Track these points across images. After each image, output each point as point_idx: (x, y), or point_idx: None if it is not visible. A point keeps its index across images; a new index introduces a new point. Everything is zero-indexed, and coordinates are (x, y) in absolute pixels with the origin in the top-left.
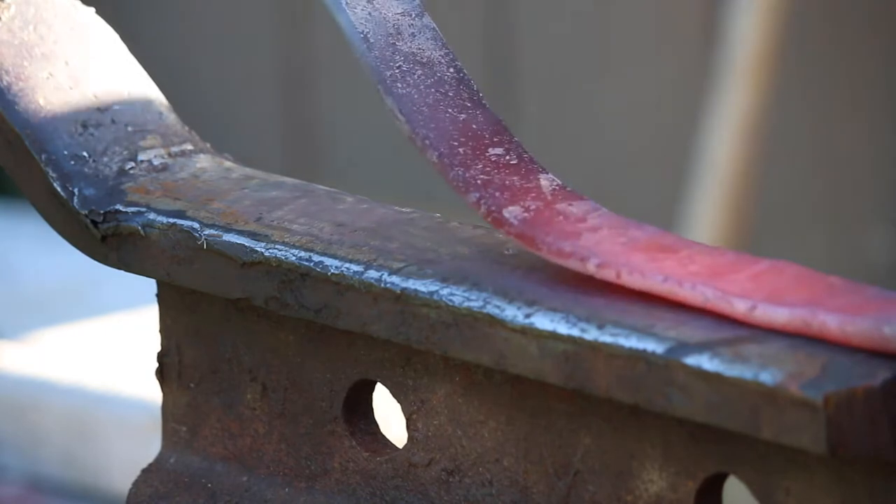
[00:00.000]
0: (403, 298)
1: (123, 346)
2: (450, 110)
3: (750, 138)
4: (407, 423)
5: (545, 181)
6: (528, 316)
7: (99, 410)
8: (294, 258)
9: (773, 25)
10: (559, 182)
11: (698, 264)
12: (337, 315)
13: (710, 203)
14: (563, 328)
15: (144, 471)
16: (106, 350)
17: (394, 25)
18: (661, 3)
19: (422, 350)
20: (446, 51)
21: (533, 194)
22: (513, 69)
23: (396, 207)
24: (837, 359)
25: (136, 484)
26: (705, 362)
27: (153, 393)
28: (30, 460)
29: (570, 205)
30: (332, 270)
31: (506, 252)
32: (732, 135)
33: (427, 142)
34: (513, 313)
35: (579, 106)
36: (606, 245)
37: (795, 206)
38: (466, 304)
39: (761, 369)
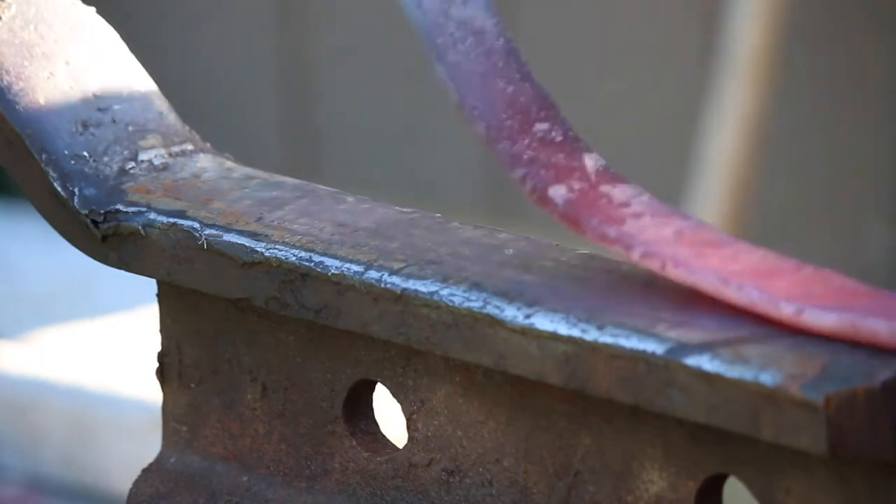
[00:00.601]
0: (404, 299)
1: (123, 346)
2: (499, 81)
3: (750, 138)
4: (407, 423)
5: (589, 161)
6: (528, 316)
7: (99, 410)
8: (294, 258)
9: (774, 25)
10: (603, 162)
11: (742, 263)
12: (337, 315)
13: (710, 203)
14: (563, 329)
15: (145, 470)
16: (106, 350)
17: None
18: (661, 3)
19: (422, 350)
20: (496, 20)
21: (578, 174)
22: None
23: (397, 208)
24: (838, 359)
25: (136, 484)
26: (706, 363)
27: (153, 393)
28: (30, 460)
29: (614, 187)
30: (332, 271)
31: (506, 252)
32: (732, 135)
33: (476, 112)
34: (513, 314)
35: (579, 106)
36: (651, 234)
37: (795, 206)
38: (467, 304)
39: (762, 370)
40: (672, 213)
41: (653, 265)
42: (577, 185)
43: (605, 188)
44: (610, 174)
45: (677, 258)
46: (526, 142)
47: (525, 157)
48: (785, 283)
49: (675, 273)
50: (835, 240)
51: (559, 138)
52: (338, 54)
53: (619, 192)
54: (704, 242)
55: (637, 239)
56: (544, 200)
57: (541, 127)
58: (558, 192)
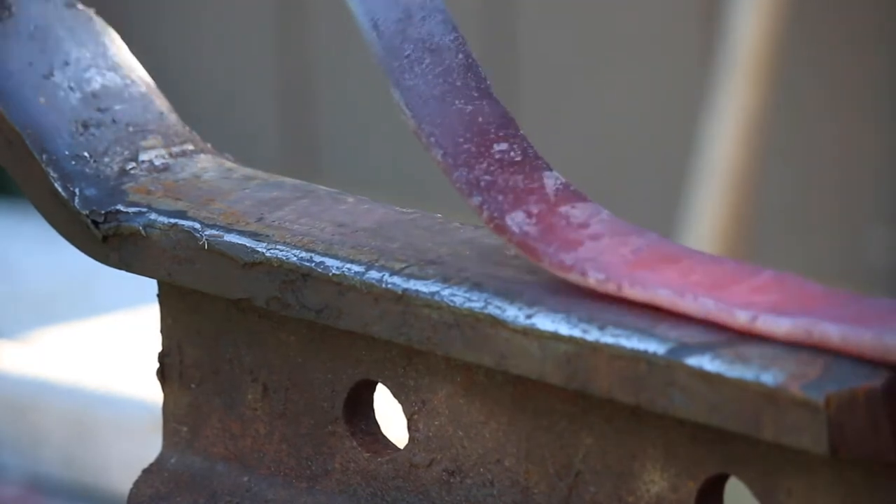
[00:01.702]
0: (405, 299)
1: (123, 346)
2: (457, 101)
3: (750, 138)
4: (408, 423)
5: (549, 180)
6: (529, 316)
7: (99, 410)
8: (295, 258)
9: (774, 24)
10: (563, 180)
11: (699, 274)
12: (338, 315)
13: (710, 203)
14: (564, 329)
15: (145, 471)
16: (106, 350)
17: (404, 8)
18: (661, 3)
19: (423, 350)
20: (455, 34)
21: (536, 196)
22: (513, 69)
23: (397, 208)
24: (839, 360)
25: (136, 484)
26: (707, 363)
27: (153, 393)
28: (30, 460)
29: (573, 207)
30: (333, 271)
31: (507, 252)
32: (733, 134)
33: (432, 139)
34: (514, 314)
35: (579, 106)
36: (608, 256)
37: (796, 206)
38: (468, 304)
39: (763, 370)
40: (630, 231)
41: (610, 289)
42: (535, 209)
43: (564, 209)
44: (569, 193)
45: (633, 278)
46: (484, 165)
47: (482, 183)
48: (742, 290)
49: (632, 293)
50: (835, 241)
51: (518, 157)
52: (338, 54)
53: (578, 211)
54: (661, 258)
55: (592, 264)
56: (502, 229)
57: (499, 147)
58: (515, 219)
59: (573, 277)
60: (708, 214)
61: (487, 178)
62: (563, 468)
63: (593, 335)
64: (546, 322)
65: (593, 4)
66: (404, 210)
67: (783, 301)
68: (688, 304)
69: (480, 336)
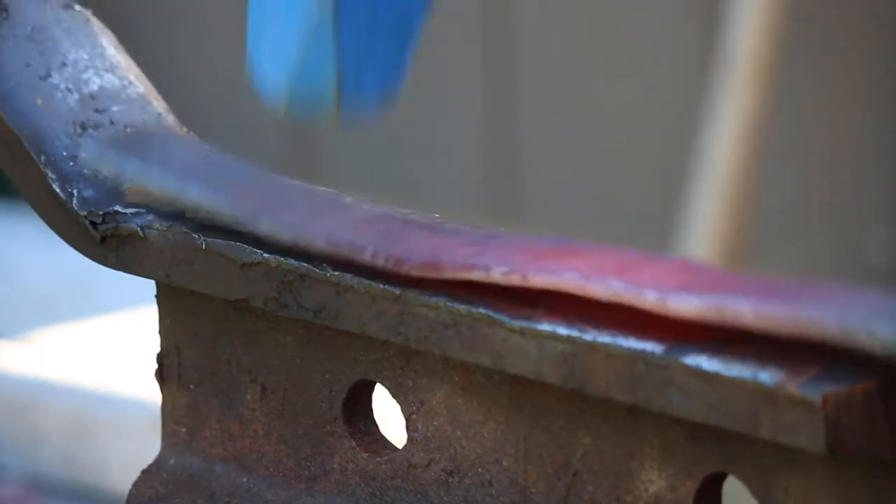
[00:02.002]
0: (402, 299)
1: (123, 346)
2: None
3: (750, 138)
4: (406, 423)
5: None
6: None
7: (99, 410)
8: (293, 259)
9: (774, 25)
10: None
11: (606, 261)
12: (336, 315)
13: (710, 203)
14: (561, 328)
15: (144, 472)
16: (106, 350)
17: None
18: (661, 3)
19: (421, 350)
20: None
21: (429, 238)
22: (512, 69)
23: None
24: (836, 359)
25: (135, 485)
26: (704, 362)
27: (153, 393)
28: (30, 460)
29: (469, 236)
30: (330, 271)
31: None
32: (732, 135)
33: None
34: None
35: (579, 106)
36: (512, 254)
37: (796, 206)
38: (465, 304)
39: (760, 369)
40: (535, 238)
41: (514, 280)
42: (429, 243)
43: (460, 241)
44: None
45: (538, 267)
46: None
47: (373, 238)
48: (650, 273)
49: (538, 280)
50: (835, 240)
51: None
52: None
53: (475, 237)
54: (567, 252)
55: (496, 260)
56: (399, 262)
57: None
58: (411, 251)
59: (476, 275)
60: (708, 215)
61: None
62: (561, 468)
63: (590, 334)
64: (543, 321)
65: (593, 5)
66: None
67: (692, 282)
68: (595, 288)
69: (478, 336)
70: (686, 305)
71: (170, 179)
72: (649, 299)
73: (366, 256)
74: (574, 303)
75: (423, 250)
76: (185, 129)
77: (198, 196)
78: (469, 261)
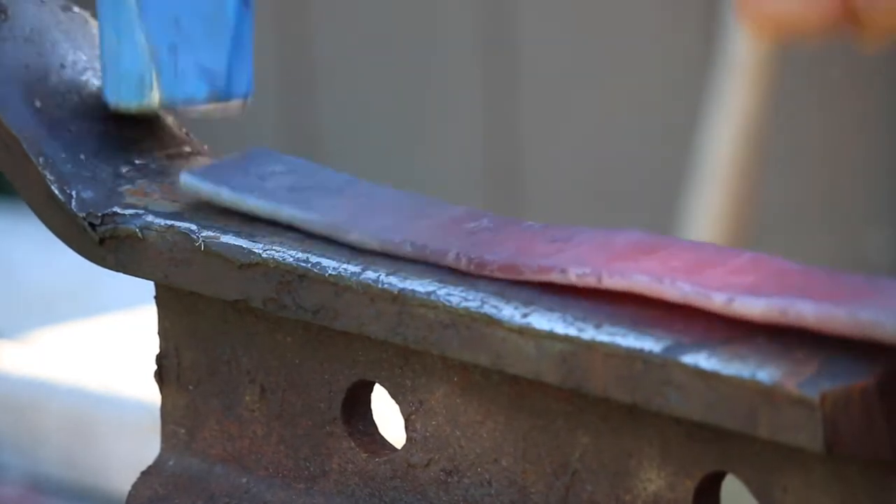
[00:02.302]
0: (401, 299)
1: (123, 346)
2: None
3: (750, 138)
4: (405, 423)
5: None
6: (525, 316)
7: (99, 410)
8: (291, 259)
9: None
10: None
11: (678, 260)
12: (335, 316)
13: (710, 203)
14: (560, 328)
15: (143, 473)
16: (106, 350)
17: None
18: (661, 5)
19: (420, 350)
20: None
21: (521, 241)
22: (512, 70)
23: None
24: (834, 357)
25: (135, 486)
26: (702, 361)
27: (153, 393)
28: (30, 460)
29: (555, 232)
30: (329, 271)
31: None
32: (733, 135)
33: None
34: (510, 313)
35: (579, 106)
36: (587, 255)
37: (795, 206)
38: (464, 304)
39: (758, 368)
40: (611, 233)
41: (590, 282)
42: (515, 245)
43: (544, 236)
44: (549, 227)
45: (612, 269)
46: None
47: (457, 241)
48: (719, 273)
49: (611, 282)
50: (834, 240)
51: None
52: (338, 54)
53: (558, 232)
54: (641, 250)
55: (573, 262)
56: (482, 265)
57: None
58: (496, 253)
59: (554, 277)
60: (708, 215)
61: (462, 238)
62: (560, 467)
63: (589, 334)
64: (542, 321)
65: (593, 6)
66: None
67: (760, 282)
68: (665, 289)
69: (476, 336)
70: (751, 308)
71: (264, 205)
72: (716, 302)
73: (449, 260)
74: (649, 301)
75: (503, 252)
76: (183, 130)
77: (290, 217)
78: (547, 262)
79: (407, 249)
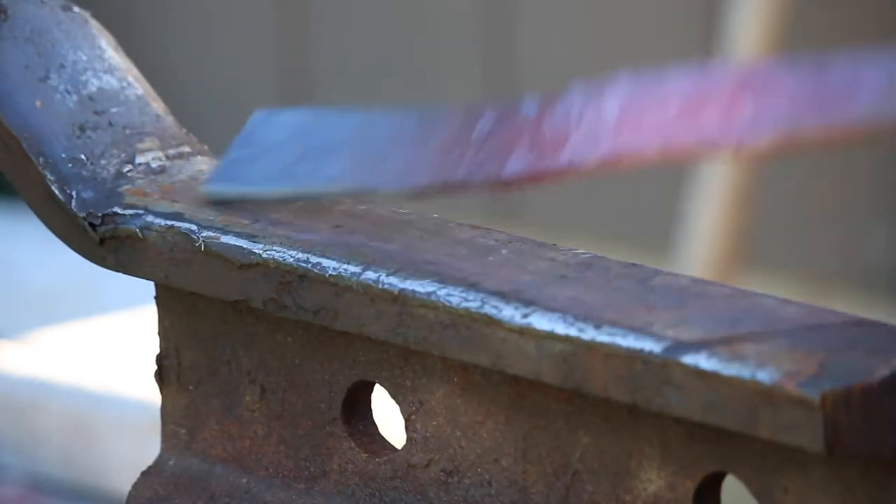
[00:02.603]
0: (401, 299)
1: (123, 346)
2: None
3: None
4: (405, 423)
5: (522, 110)
6: (525, 316)
7: (99, 411)
8: (292, 260)
9: (773, 25)
10: (535, 104)
11: (673, 106)
12: (335, 316)
13: (710, 203)
14: (560, 328)
15: (144, 473)
16: (106, 350)
17: None
18: (661, 3)
19: (420, 351)
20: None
21: (519, 134)
22: (513, 70)
23: (394, 208)
24: (835, 357)
25: (135, 486)
26: (702, 361)
27: (153, 393)
28: (30, 460)
29: (551, 115)
30: (329, 272)
31: (503, 252)
32: None
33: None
34: (510, 314)
35: None
36: (592, 135)
37: (796, 206)
38: (464, 304)
39: (758, 368)
40: (602, 95)
41: (607, 167)
42: (524, 147)
43: (545, 125)
44: (545, 108)
45: (619, 148)
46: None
47: (466, 164)
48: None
49: (628, 160)
50: (835, 241)
51: (489, 127)
52: (338, 54)
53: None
54: (643, 108)
55: (578, 155)
56: (503, 183)
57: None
58: (510, 165)
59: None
60: (708, 214)
61: (471, 157)
62: (561, 467)
63: (589, 334)
64: (542, 321)
65: (593, 6)
66: (401, 210)
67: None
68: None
69: (477, 336)
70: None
71: (289, 190)
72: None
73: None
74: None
75: (517, 162)
76: (183, 130)
77: (314, 194)
78: (562, 160)
79: (433, 189)
